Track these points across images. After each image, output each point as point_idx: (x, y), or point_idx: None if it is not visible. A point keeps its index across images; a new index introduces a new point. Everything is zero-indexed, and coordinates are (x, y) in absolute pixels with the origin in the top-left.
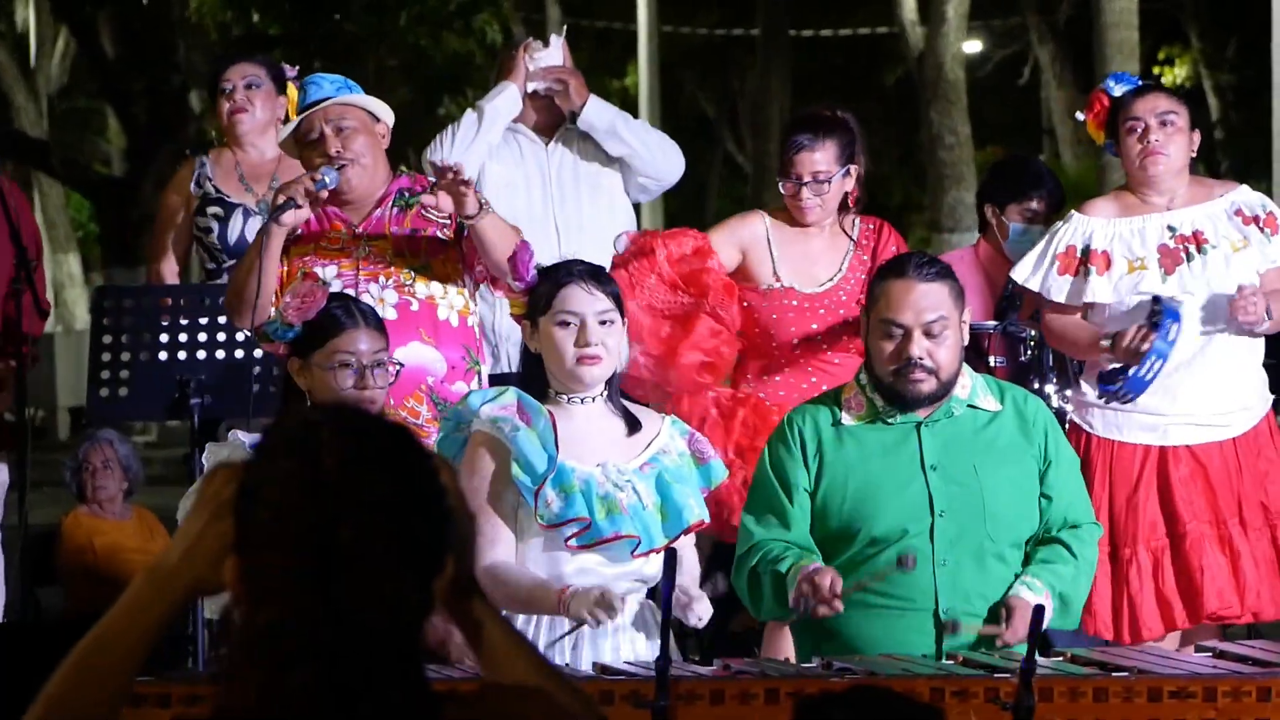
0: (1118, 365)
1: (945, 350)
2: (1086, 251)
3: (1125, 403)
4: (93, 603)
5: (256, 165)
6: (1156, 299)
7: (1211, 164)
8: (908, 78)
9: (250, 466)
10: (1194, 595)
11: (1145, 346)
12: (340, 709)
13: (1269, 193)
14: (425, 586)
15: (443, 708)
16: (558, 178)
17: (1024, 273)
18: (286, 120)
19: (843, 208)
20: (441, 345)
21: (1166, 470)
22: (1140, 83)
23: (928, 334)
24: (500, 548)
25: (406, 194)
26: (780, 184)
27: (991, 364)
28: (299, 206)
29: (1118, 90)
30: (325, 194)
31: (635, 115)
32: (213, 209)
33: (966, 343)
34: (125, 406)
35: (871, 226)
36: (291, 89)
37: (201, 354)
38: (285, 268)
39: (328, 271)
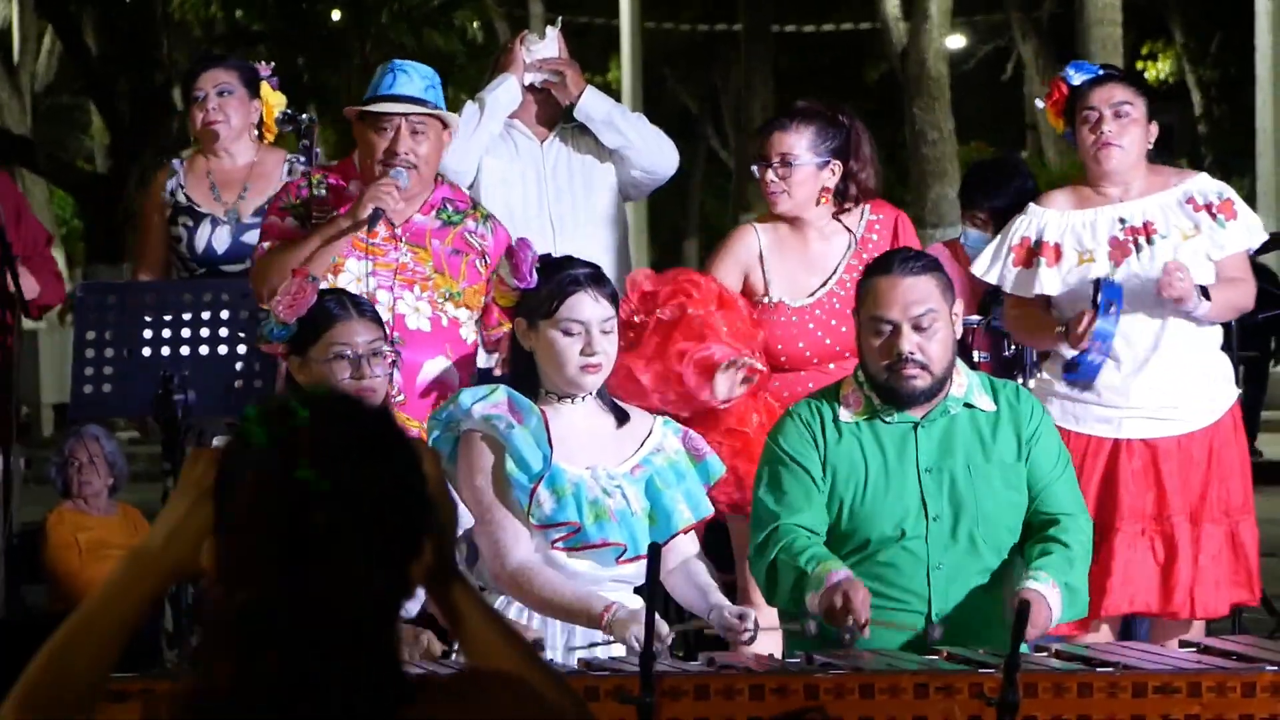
0: (1075, 353)
1: (936, 344)
2: (1038, 243)
3: (1086, 389)
4: (77, 599)
5: (228, 173)
6: (1096, 281)
7: (1195, 158)
8: (891, 74)
9: (228, 449)
10: (1101, 591)
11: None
12: (311, 694)
13: (1253, 186)
14: (400, 572)
15: (415, 694)
16: (553, 174)
17: (982, 266)
18: (261, 124)
19: (837, 202)
20: (459, 364)
21: (1116, 463)
22: (1100, 72)
23: (917, 328)
24: (523, 545)
25: (450, 206)
26: (756, 170)
27: (975, 359)
28: (383, 215)
29: (1076, 79)
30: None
31: None
32: (183, 218)
33: (959, 335)
34: (109, 403)
35: (881, 218)
36: (267, 89)
37: (185, 350)
38: None
39: (361, 266)
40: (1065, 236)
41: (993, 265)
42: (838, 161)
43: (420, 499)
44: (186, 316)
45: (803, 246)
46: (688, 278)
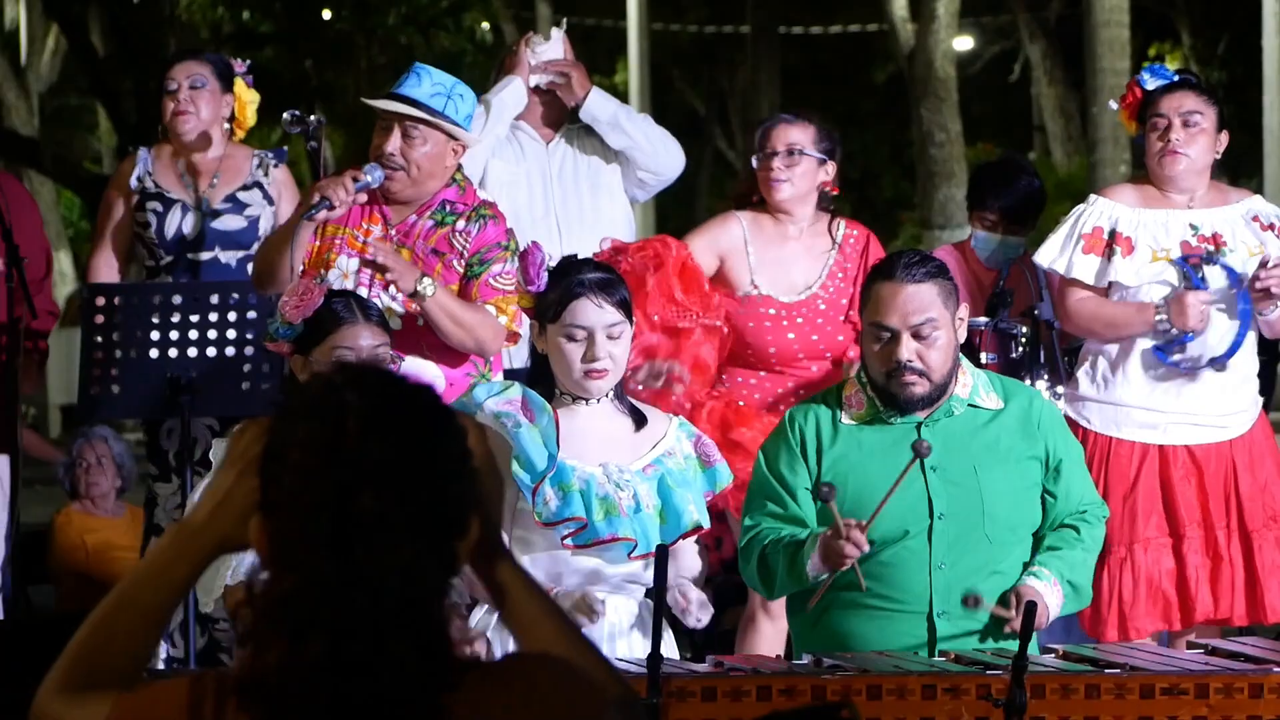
0: (1176, 334)
1: (936, 352)
2: (1113, 234)
3: (1192, 367)
4: (83, 600)
5: (198, 163)
6: (1183, 261)
7: None
8: (898, 75)
9: (275, 426)
10: (1188, 598)
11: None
12: (360, 676)
13: (1260, 187)
14: (447, 551)
15: (464, 675)
16: (559, 176)
17: (1049, 256)
18: (232, 119)
19: (821, 206)
20: (443, 362)
21: (1166, 470)
22: (1175, 78)
23: (916, 336)
24: None
25: (448, 207)
26: (755, 163)
27: (983, 360)
28: (332, 208)
29: (1151, 84)
30: (363, 195)
31: None
32: (151, 204)
33: (963, 340)
34: (116, 404)
35: (855, 234)
36: (241, 85)
37: (192, 352)
38: (317, 243)
39: (350, 263)
40: (1139, 231)
41: (1060, 255)
42: (831, 161)
43: (468, 477)
44: (194, 318)
45: (785, 244)
46: (661, 240)
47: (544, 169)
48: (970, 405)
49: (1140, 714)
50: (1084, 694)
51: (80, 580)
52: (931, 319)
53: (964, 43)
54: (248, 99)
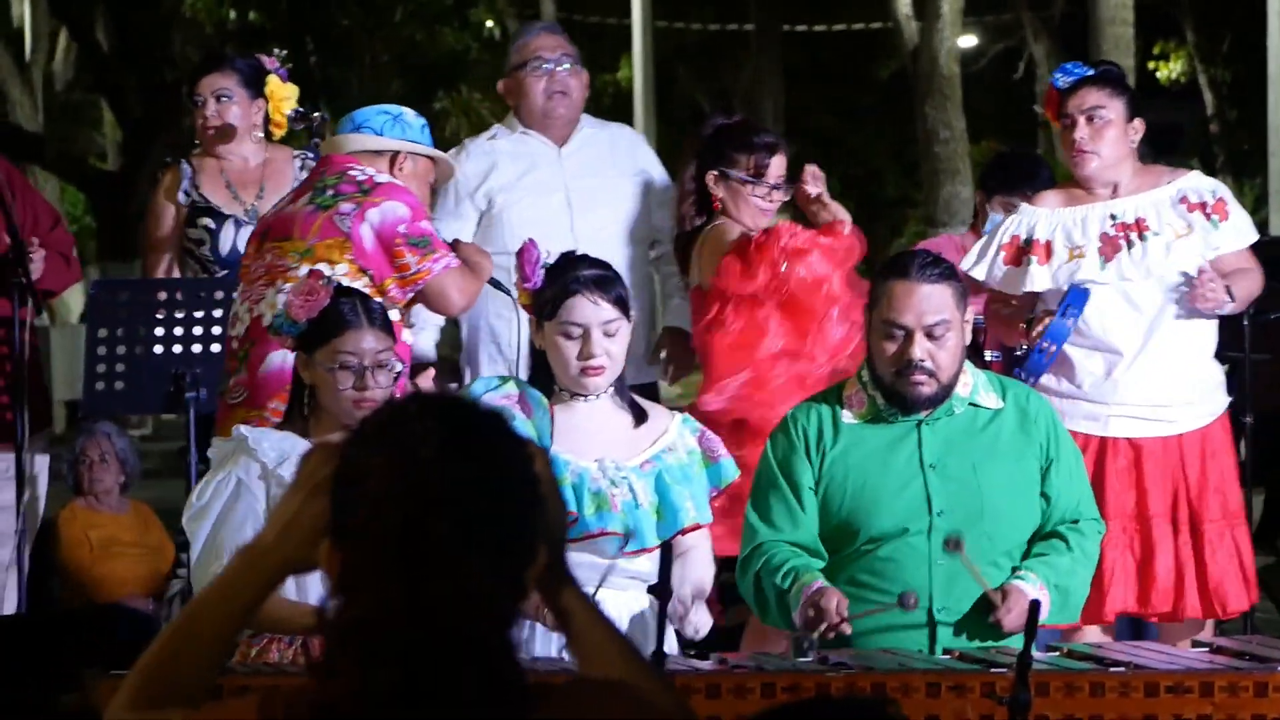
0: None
1: (946, 352)
2: (1029, 242)
3: (1031, 382)
4: (88, 596)
5: (241, 173)
6: (1071, 286)
7: (1207, 158)
8: (901, 72)
9: (346, 453)
10: (1100, 592)
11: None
12: (433, 703)
13: (1265, 186)
14: (518, 578)
15: (534, 701)
16: (573, 183)
17: (969, 262)
18: (268, 120)
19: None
20: None
21: (1103, 462)
22: (1085, 73)
23: (929, 336)
24: None
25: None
26: (751, 189)
27: (987, 358)
28: None
29: (1061, 82)
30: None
31: (630, 109)
32: (204, 220)
33: (968, 342)
34: (120, 400)
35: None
36: (276, 82)
37: (197, 347)
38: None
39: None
40: (1055, 234)
41: (979, 262)
42: None
43: (536, 502)
44: (198, 314)
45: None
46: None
47: (558, 176)
48: (971, 404)
49: (1145, 712)
50: (1089, 692)
51: (84, 576)
52: (945, 320)
53: (968, 40)
54: (284, 95)
